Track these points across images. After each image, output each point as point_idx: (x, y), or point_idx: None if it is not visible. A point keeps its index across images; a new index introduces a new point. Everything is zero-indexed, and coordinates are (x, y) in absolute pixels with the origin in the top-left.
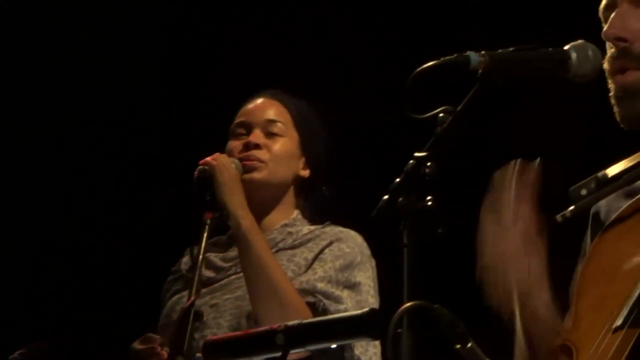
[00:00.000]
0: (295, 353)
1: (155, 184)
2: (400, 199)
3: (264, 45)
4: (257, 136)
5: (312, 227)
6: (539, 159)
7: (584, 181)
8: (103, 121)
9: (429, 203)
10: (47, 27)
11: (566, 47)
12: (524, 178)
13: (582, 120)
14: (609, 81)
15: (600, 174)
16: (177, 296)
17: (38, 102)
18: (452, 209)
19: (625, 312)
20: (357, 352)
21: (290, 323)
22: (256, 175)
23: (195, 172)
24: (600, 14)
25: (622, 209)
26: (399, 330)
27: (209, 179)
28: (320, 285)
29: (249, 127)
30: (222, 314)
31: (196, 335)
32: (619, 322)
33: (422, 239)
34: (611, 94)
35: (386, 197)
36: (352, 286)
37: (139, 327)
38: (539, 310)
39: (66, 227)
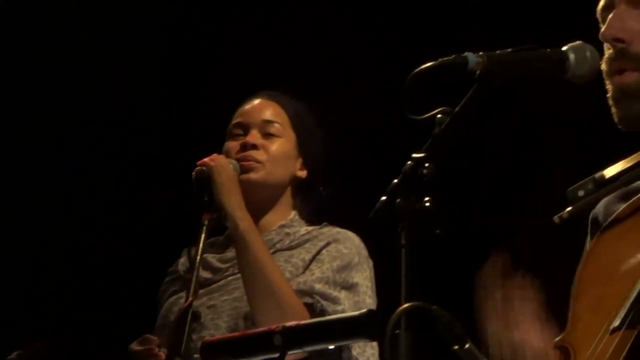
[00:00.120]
0: (292, 354)
1: (155, 184)
2: (398, 200)
3: (264, 45)
4: (254, 137)
5: (310, 228)
6: (538, 281)
7: (581, 182)
8: (103, 121)
9: (427, 204)
10: (47, 27)
11: (564, 48)
12: (524, 294)
13: (579, 121)
14: (607, 82)
15: (597, 175)
16: (174, 297)
17: (38, 102)
18: (450, 210)
19: (623, 313)
20: (354, 353)
21: (288, 324)
22: (253, 175)
23: (193, 173)
24: (598, 15)
25: (620, 209)
26: (397, 331)
27: (207, 180)
28: (318, 286)
29: (246, 128)
30: (219, 315)
31: (194, 336)
32: (616, 323)
33: (420, 240)
34: (609, 95)
35: (384, 198)
36: (350, 287)
37: (139, 327)
38: None
39: (66, 227)
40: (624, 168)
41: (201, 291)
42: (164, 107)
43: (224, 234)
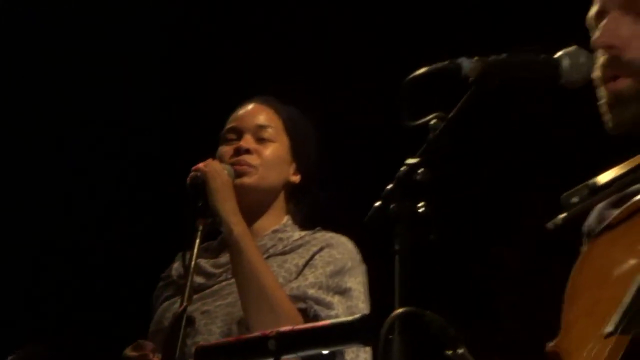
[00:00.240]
0: (287, 359)
1: (155, 184)
2: (393, 205)
3: (264, 46)
4: (247, 141)
5: (303, 233)
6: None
7: (575, 188)
8: (103, 121)
9: (421, 209)
10: (47, 27)
11: (559, 54)
12: None
13: (576, 125)
14: (600, 89)
15: (591, 181)
16: (167, 302)
17: (38, 102)
18: (444, 215)
19: (616, 318)
20: (348, 357)
21: (282, 329)
22: (247, 180)
23: (188, 179)
24: (589, 22)
25: (614, 215)
26: (391, 336)
27: (202, 186)
28: (311, 292)
29: (239, 133)
30: (213, 320)
31: (188, 342)
32: (610, 328)
33: (414, 245)
34: (602, 101)
35: (378, 203)
36: (343, 292)
37: (139, 328)
38: None
39: (66, 227)
40: (617, 174)
41: (195, 296)
42: (164, 107)
43: (217, 239)
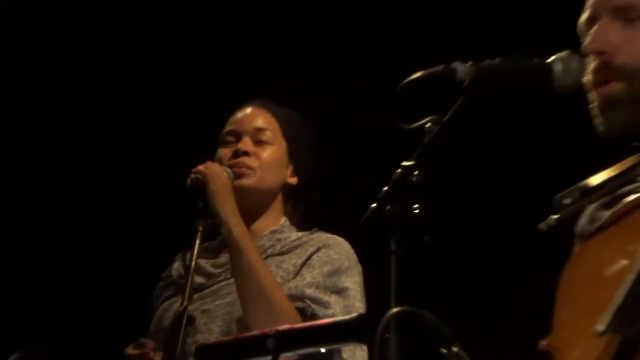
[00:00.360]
0: (285, 357)
1: (155, 184)
2: (389, 206)
3: (263, 46)
4: (246, 144)
5: (300, 234)
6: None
7: (567, 190)
8: (103, 121)
9: (416, 211)
10: (47, 27)
11: (551, 59)
12: None
13: (565, 130)
14: (591, 93)
15: (582, 183)
16: (167, 302)
17: (38, 102)
18: (439, 216)
19: (607, 318)
20: (345, 356)
21: (281, 328)
22: (245, 181)
23: (188, 181)
24: (580, 28)
25: (606, 216)
26: (387, 334)
27: (202, 188)
28: (309, 291)
29: (238, 135)
30: (213, 319)
31: (188, 340)
32: (601, 327)
33: (410, 245)
34: (593, 105)
35: (375, 204)
36: (340, 291)
37: (139, 327)
38: None
39: (66, 227)
40: (608, 177)
41: (195, 296)
42: (163, 107)
43: (216, 240)
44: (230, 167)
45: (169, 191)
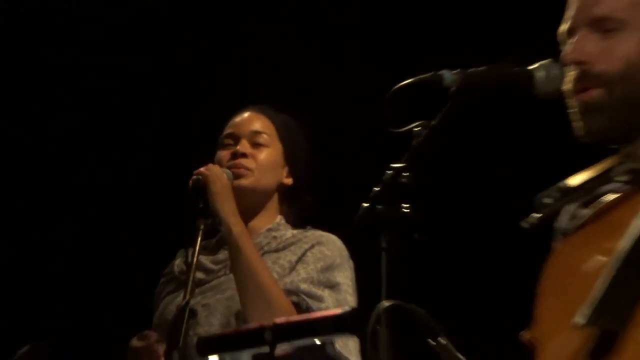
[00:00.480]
0: (282, 348)
1: (155, 184)
2: (380, 206)
3: (263, 47)
4: (244, 146)
5: (295, 232)
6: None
7: (547, 190)
8: (103, 121)
9: (406, 210)
10: (47, 27)
11: (534, 66)
12: None
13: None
14: (571, 100)
15: (561, 183)
16: (169, 297)
17: (38, 102)
18: (427, 215)
19: (586, 311)
20: (337, 346)
21: (278, 320)
22: (243, 182)
23: (190, 182)
24: (560, 37)
25: (586, 215)
26: (377, 327)
27: (203, 188)
28: (304, 286)
29: (236, 138)
30: (213, 312)
31: (190, 332)
32: (581, 320)
33: (400, 243)
34: (573, 110)
35: (366, 204)
36: (333, 286)
37: (139, 327)
38: None
39: (66, 227)
40: (587, 177)
41: (196, 290)
42: (163, 107)
43: (215, 237)
44: (229, 168)
45: (168, 191)
